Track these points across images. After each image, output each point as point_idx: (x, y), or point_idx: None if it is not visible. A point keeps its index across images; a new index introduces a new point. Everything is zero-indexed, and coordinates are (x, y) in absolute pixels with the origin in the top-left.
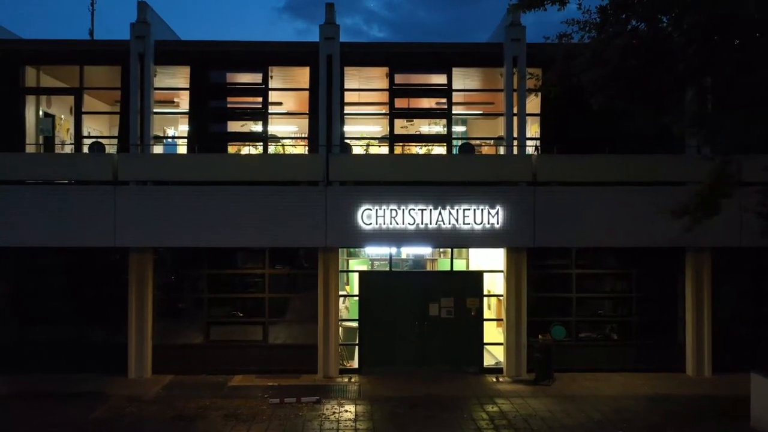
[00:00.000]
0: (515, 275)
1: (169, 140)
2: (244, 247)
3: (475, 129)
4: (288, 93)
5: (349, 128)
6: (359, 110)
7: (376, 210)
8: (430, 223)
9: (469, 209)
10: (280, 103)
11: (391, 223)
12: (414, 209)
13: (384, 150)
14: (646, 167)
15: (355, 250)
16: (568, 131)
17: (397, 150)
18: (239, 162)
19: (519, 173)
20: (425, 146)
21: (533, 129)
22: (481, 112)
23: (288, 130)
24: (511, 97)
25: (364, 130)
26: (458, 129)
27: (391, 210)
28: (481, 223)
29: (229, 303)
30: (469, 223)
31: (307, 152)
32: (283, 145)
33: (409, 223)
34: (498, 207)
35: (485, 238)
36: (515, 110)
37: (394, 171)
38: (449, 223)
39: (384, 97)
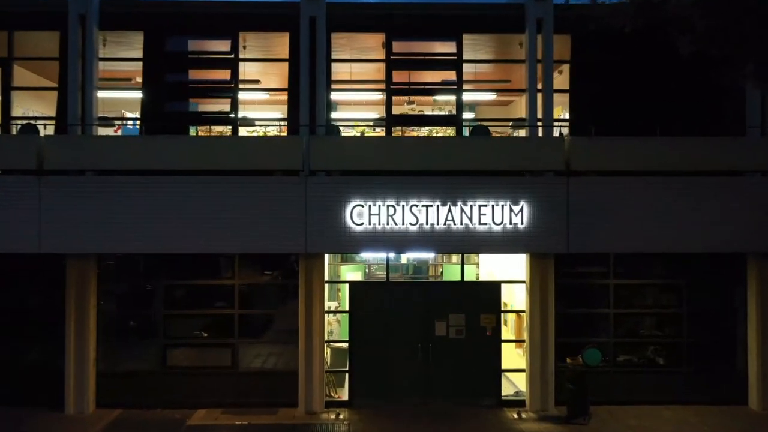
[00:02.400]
0: (540, 286)
1: (123, 123)
2: (206, 253)
3: (484, 114)
4: (264, 67)
5: (338, 114)
6: (350, 87)
7: (369, 206)
8: (437, 223)
9: (486, 205)
10: (257, 81)
11: (388, 223)
12: (417, 205)
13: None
14: (708, 152)
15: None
16: (602, 111)
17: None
18: (196, 146)
19: (548, 160)
20: (430, 131)
21: (556, 111)
22: (493, 92)
23: (271, 117)
24: (535, 70)
25: (355, 117)
26: (466, 116)
27: (388, 206)
28: (501, 223)
29: (190, 320)
30: (486, 223)
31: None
32: (265, 132)
33: (410, 223)
34: (522, 202)
35: (506, 242)
36: (539, 86)
37: (391, 157)
38: (461, 223)
39: (379, 73)
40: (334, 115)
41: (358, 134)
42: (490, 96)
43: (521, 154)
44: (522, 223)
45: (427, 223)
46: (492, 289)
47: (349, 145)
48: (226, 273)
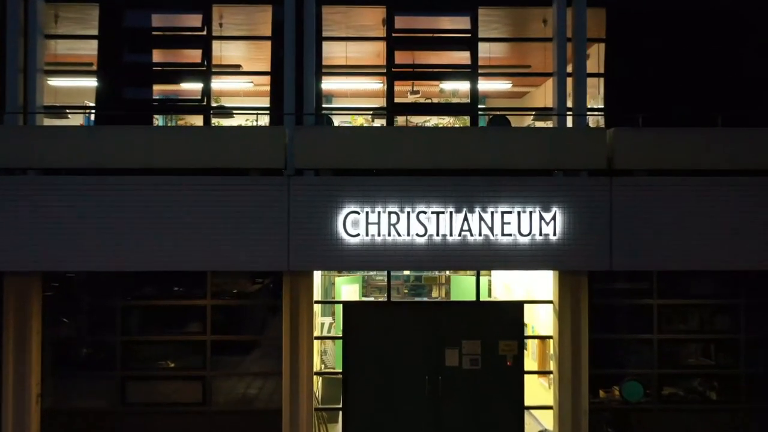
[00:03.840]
0: (572, 307)
1: (76, 113)
2: (170, 270)
3: (496, 107)
4: (248, 50)
5: (331, 105)
6: (345, 71)
7: (367, 213)
8: (451, 234)
9: (510, 212)
10: (237, 66)
11: (389, 234)
12: (425, 212)
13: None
14: None
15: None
16: (642, 99)
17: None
18: (151, 139)
19: (587, 156)
20: (438, 121)
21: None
22: (511, 77)
23: (251, 107)
24: (564, 50)
25: (350, 107)
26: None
27: (390, 213)
28: (529, 234)
29: (153, 348)
30: (510, 234)
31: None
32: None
33: (417, 234)
34: (555, 209)
35: (535, 258)
36: (569, 69)
37: (394, 152)
38: (480, 234)
39: (379, 58)
40: (327, 106)
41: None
42: (505, 85)
43: (553, 148)
44: (554, 234)
45: (437, 234)
46: (513, 310)
47: (342, 137)
48: (197, 291)
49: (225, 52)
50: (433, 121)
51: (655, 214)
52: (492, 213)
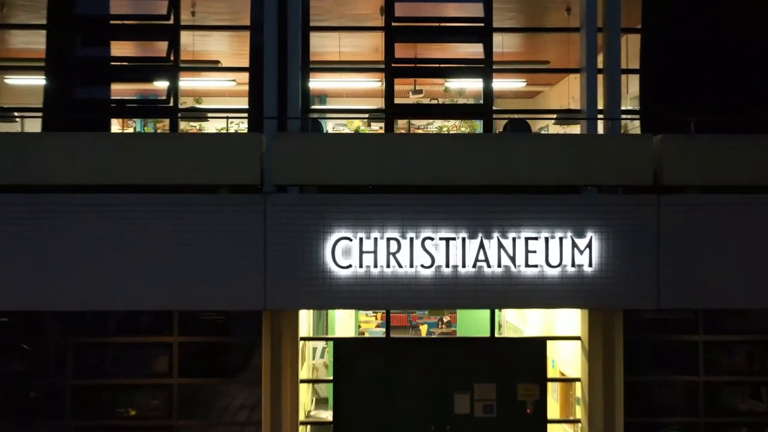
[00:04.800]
0: (604, 345)
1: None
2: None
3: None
4: (230, 44)
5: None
6: (336, 66)
7: (361, 240)
8: (463, 265)
9: (536, 238)
10: (215, 62)
11: (388, 265)
12: (432, 239)
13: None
14: None
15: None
16: (689, 99)
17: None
18: (108, 146)
19: (629, 169)
20: (443, 127)
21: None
22: (526, 73)
23: (227, 108)
24: (594, 42)
25: (342, 108)
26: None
27: (389, 240)
28: (558, 265)
29: (111, 394)
30: (536, 265)
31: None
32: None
33: (422, 265)
34: (590, 234)
35: (567, 294)
36: (600, 64)
37: (394, 165)
38: (499, 265)
39: (377, 53)
40: (320, 107)
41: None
42: (518, 83)
43: (588, 159)
44: (590, 265)
45: (447, 266)
46: (534, 348)
47: (330, 146)
48: (162, 327)
49: (203, 46)
50: (435, 124)
51: (713, 240)
52: (514, 239)
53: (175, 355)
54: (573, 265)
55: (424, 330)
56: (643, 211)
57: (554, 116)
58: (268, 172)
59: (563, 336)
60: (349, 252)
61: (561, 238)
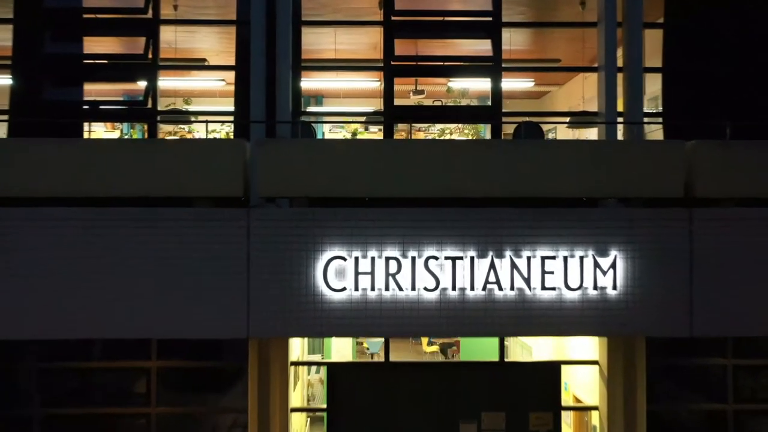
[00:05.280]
0: (625, 371)
1: None
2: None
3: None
4: (218, 41)
5: (315, 109)
6: (327, 64)
7: (356, 259)
8: (471, 288)
9: (553, 257)
10: (202, 60)
11: (387, 288)
12: (437, 258)
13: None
14: None
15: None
16: (717, 101)
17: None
18: (69, 156)
19: (658, 179)
20: (446, 129)
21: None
22: (536, 71)
23: (211, 111)
24: (614, 38)
25: (335, 110)
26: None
27: (388, 260)
28: (579, 287)
29: (83, 424)
30: (554, 287)
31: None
32: (227, 135)
33: (426, 288)
34: (614, 252)
35: (588, 320)
36: (620, 61)
37: (393, 174)
38: (512, 288)
39: (376, 51)
40: (314, 109)
41: (353, 133)
42: (526, 83)
43: (612, 168)
44: (614, 288)
45: (453, 288)
46: (547, 373)
47: (322, 154)
48: (139, 352)
49: (189, 43)
50: (436, 127)
51: (753, 258)
52: (529, 258)
53: (153, 381)
54: (595, 287)
55: (425, 342)
56: (673, 227)
57: (568, 119)
58: (254, 183)
59: (580, 360)
60: (343, 273)
61: (581, 258)
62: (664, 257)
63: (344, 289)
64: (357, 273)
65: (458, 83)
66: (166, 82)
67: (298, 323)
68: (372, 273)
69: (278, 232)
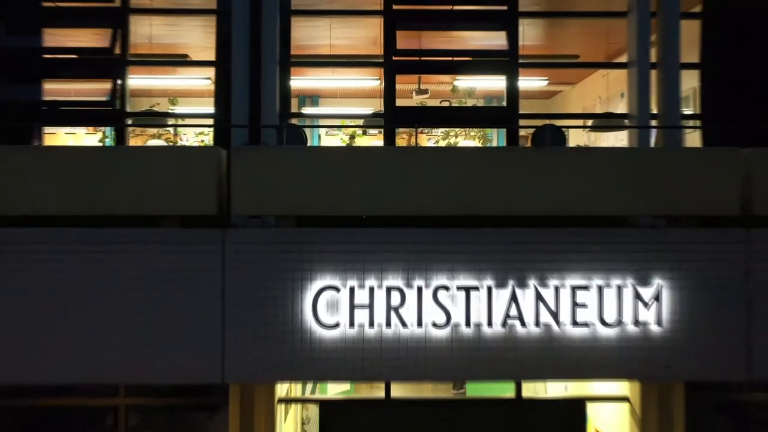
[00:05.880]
0: (659, 410)
1: None
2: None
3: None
4: (203, 35)
5: (309, 110)
6: (318, 60)
7: (352, 290)
8: (489, 324)
9: (586, 287)
10: (183, 56)
11: (389, 324)
12: (447, 288)
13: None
14: None
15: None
16: (760, 103)
17: (401, 143)
18: (10, 166)
19: (708, 195)
20: (446, 134)
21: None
22: (543, 80)
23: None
24: (648, 30)
25: (327, 113)
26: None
27: (389, 290)
28: (616, 323)
29: None
30: (586, 323)
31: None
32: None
33: (435, 324)
34: (658, 282)
35: (627, 361)
36: (653, 56)
37: (396, 189)
38: (536, 323)
39: (375, 46)
40: (309, 111)
41: (350, 136)
42: (538, 82)
43: (651, 182)
44: (658, 323)
45: (467, 324)
46: (570, 411)
47: (311, 164)
48: (105, 388)
49: (170, 38)
50: (439, 129)
51: None
52: (556, 288)
53: (121, 421)
54: (635, 323)
55: None
56: (728, 251)
57: (591, 122)
58: (228, 199)
59: (607, 396)
60: (336, 306)
61: (619, 288)
62: (717, 287)
63: (337, 325)
64: (353, 306)
65: (464, 82)
66: (150, 81)
67: (283, 366)
68: (371, 306)
69: (259, 257)
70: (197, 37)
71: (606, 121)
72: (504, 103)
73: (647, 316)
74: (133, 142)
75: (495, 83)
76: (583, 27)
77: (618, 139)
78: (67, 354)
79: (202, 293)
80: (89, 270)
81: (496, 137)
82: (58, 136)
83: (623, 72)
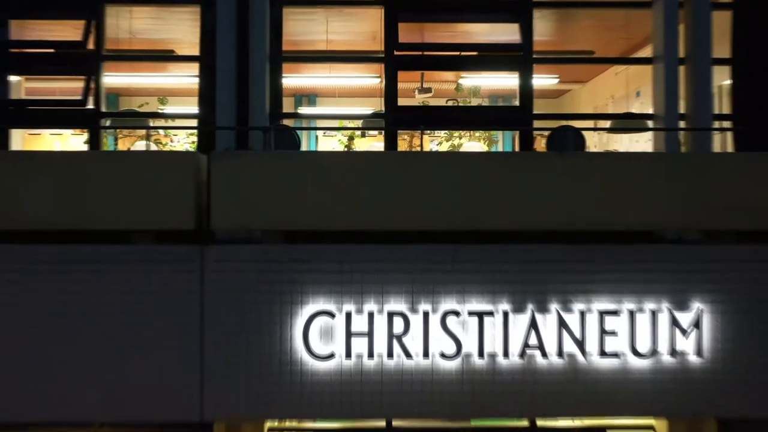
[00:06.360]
0: None
1: None
2: None
3: None
4: (187, 25)
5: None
6: (313, 54)
7: (348, 315)
8: (505, 354)
9: (615, 312)
10: (169, 51)
11: (390, 354)
12: (458, 313)
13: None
14: None
15: None
16: None
17: (403, 146)
18: None
19: (755, 207)
20: (449, 136)
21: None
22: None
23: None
24: (675, 21)
25: (323, 113)
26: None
27: (391, 315)
28: (650, 353)
29: None
30: (616, 353)
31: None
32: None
33: (443, 354)
34: (697, 306)
35: (662, 396)
36: (681, 51)
37: (398, 200)
38: (560, 354)
39: (375, 42)
40: (306, 112)
41: (348, 138)
42: (549, 80)
43: (687, 189)
44: (698, 353)
45: (480, 354)
46: None
47: (302, 170)
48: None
49: (157, 33)
50: (441, 133)
51: None
52: (582, 313)
53: None
54: (672, 353)
55: None
56: None
57: (606, 121)
58: (202, 210)
59: (630, 425)
60: (330, 334)
61: (653, 312)
62: (766, 311)
63: (332, 355)
64: (349, 334)
65: (470, 80)
66: (139, 79)
67: (270, 402)
68: (370, 334)
69: (243, 277)
70: (185, 32)
71: (622, 122)
72: (517, 103)
73: (685, 345)
74: (122, 143)
75: (501, 81)
76: (597, 20)
77: (633, 141)
78: (26, 390)
79: (178, 318)
80: (50, 293)
81: (502, 139)
82: (43, 137)
83: (638, 69)
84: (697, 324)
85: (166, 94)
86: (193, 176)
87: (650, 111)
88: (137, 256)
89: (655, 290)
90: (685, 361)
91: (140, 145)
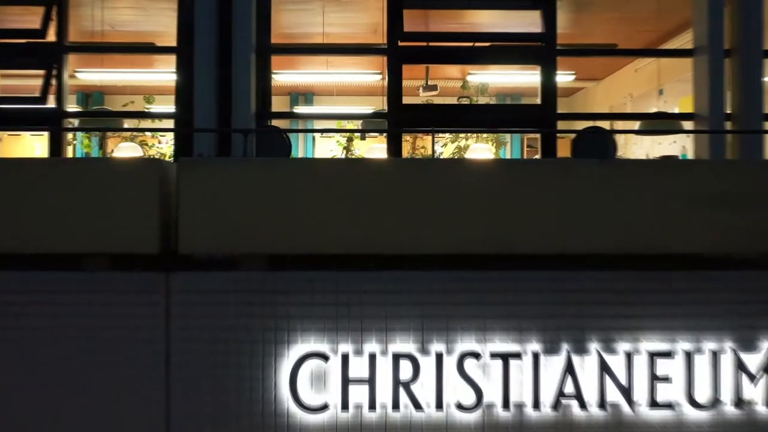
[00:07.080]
0: None
1: None
2: None
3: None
4: (167, 15)
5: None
6: (306, 46)
7: (345, 357)
8: (535, 405)
9: (668, 354)
10: (150, 44)
11: (396, 405)
12: (478, 355)
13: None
14: None
15: None
16: None
17: (405, 148)
18: None
19: None
20: (455, 138)
21: (682, 104)
22: (570, 74)
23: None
24: (722, 9)
25: (319, 113)
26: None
27: (397, 357)
28: (711, 403)
29: None
30: (670, 403)
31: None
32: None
33: (460, 405)
34: (767, 345)
35: None
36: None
37: (405, 219)
38: (602, 404)
39: (376, 35)
40: (303, 111)
41: (346, 141)
42: (565, 77)
43: (759, 206)
44: (767, 403)
45: (506, 405)
46: None
47: (287, 182)
48: None
49: (138, 25)
50: (443, 134)
51: None
52: (628, 355)
53: None
54: (737, 403)
55: None
56: None
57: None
58: (168, 233)
59: None
60: (323, 380)
61: (714, 354)
62: None
63: (326, 407)
64: (346, 380)
65: (477, 77)
66: (123, 76)
67: None
68: (371, 380)
69: (216, 311)
70: (167, 24)
71: (653, 123)
72: (526, 101)
73: (753, 393)
74: (111, 143)
75: (510, 78)
76: (616, 12)
77: (655, 143)
78: None
79: (139, 359)
80: None
81: (511, 140)
82: (24, 139)
83: (661, 66)
84: (765, 368)
85: (154, 92)
86: (158, 188)
87: (675, 110)
88: (87, 286)
89: (716, 326)
90: (752, 412)
91: (125, 147)
